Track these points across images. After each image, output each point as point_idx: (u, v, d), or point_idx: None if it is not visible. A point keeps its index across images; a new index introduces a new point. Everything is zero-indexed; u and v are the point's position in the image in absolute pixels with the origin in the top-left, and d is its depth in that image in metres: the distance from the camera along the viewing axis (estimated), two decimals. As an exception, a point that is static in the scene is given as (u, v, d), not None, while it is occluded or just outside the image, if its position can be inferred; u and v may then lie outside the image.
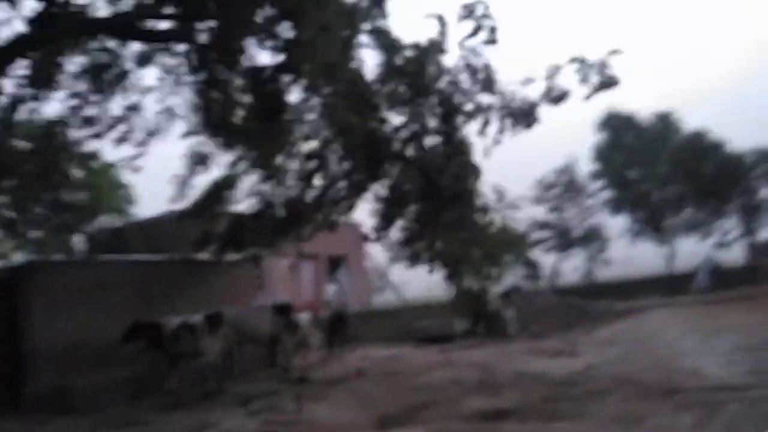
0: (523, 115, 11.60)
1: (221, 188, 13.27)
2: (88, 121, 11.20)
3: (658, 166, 29.05)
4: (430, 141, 12.50)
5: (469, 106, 11.94)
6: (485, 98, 11.83)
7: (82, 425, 9.17)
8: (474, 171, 12.36)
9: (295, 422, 7.99)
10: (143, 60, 10.95)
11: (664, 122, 30.51)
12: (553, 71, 11.29)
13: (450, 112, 11.95)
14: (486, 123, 11.78)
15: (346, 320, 16.68)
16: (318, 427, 7.59)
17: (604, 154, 31.16)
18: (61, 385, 10.88)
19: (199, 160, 12.70)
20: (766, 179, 28.09)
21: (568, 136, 37.00)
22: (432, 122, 12.31)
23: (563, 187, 31.64)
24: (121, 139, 11.70)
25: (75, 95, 10.85)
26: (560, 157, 31.81)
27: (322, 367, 13.23)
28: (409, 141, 12.44)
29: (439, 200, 12.37)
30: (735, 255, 29.30)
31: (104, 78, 10.87)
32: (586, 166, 31.77)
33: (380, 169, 12.64)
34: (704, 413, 6.25)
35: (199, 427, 8.21)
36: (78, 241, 22.76)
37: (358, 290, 22.69)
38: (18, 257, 21.12)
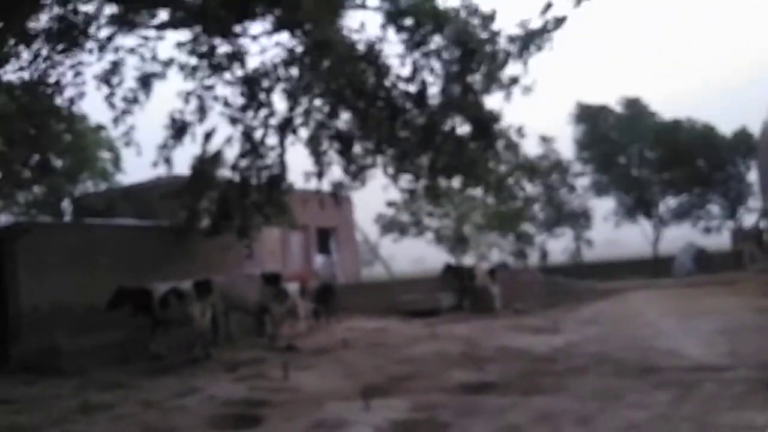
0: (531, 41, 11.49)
1: (207, 166, 13.33)
2: (56, 84, 11.07)
3: (643, 150, 29.33)
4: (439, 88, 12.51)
5: (483, 46, 11.82)
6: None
7: (68, 386, 9.23)
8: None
9: (281, 389, 8.11)
10: (118, 21, 10.83)
11: (634, 108, 30.61)
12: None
13: (467, 53, 11.81)
14: (507, 56, 11.67)
15: (334, 291, 16.82)
16: (303, 395, 7.71)
17: (585, 143, 31.28)
18: (48, 346, 10.94)
19: (179, 129, 12.72)
20: (746, 161, 28.55)
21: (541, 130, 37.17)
22: (444, 67, 12.25)
23: (551, 167, 31.82)
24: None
25: (44, 58, 10.67)
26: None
27: (309, 337, 13.36)
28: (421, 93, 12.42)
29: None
30: (722, 240, 29.70)
31: (75, 39, 10.69)
32: (567, 153, 32.06)
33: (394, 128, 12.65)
34: (680, 392, 6.41)
35: (185, 391, 8.30)
36: (66, 204, 22.67)
37: (346, 262, 22.81)
38: (6, 219, 21.01)
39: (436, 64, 12.16)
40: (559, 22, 10.94)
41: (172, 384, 8.99)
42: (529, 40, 11.41)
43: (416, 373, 8.63)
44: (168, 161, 12.98)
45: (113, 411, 7.53)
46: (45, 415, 7.48)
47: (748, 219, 29.11)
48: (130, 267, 12.85)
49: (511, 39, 11.51)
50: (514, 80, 11.94)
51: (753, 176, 29.05)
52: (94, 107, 13.58)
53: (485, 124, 12.22)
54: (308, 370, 9.41)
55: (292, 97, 12.74)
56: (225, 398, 7.74)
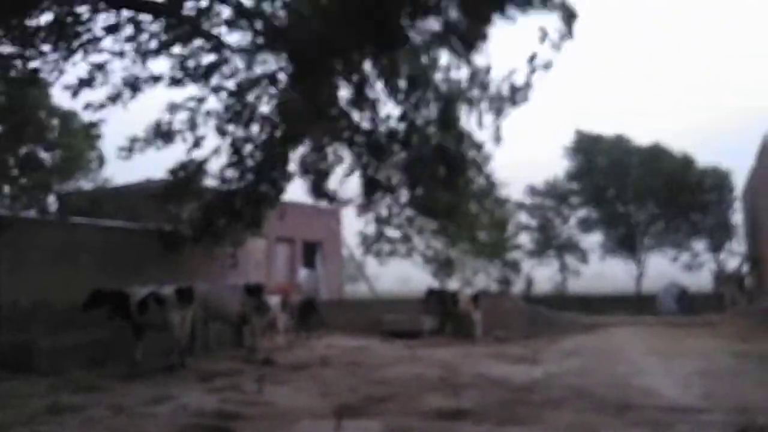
0: (514, 97, 11.77)
1: (190, 172, 13.39)
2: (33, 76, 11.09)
3: (629, 184, 29.81)
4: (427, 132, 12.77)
5: (466, 97, 12.09)
6: (477, 91, 12.01)
7: (41, 385, 9.11)
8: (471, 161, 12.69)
9: (255, 403, 8.02)
10: (112, 28, 10.93)
11: (622, 142, 30.98)
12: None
13: (449, 103, 12.07)
14: (481, 113, 12.01)
15: (317, 307, 16.74)
16: (276, 410, 7.63)
17: (578, 174, 31.58)
18: (23, 343, 10.78)
19: (164, 134, 12.77)
20: (726, 201, 29.15)
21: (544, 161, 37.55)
22: (430, 113, 12.51)
23: (551, 195, 32.04)
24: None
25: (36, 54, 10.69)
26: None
27: (288, 352, 13.27)
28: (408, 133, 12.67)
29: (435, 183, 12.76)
30: (705, 279, 29.92)
31: (66, 39, 10.73)
32: (562, 186, 32.33)
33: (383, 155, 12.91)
34: (654, 432, 6.42)
35: (157, 398, 8.20)
36: (52, 201, 22.47)
37: (331, 278, 22.75)
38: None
39: (420, 113, 12.50)
40: (547, 66, 11.07)
41: (145, 390, 8.87)
42: (513, 96, 11.77)
43: (392, 396, 8.56)
44: (131, 151, 12.95)
45: (83, 413, 7.44)
46: (15, 413, 7.37)
47: (732, 261, 29.38)
48: (113, 268, 12.74)
49: (492, 99, 11.85)
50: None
51: (734, 218, 29.53)
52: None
53: (458, 170, 12.60)
54: (284, 386, 9.34)
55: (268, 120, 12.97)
56: (197, 408, 7.65)
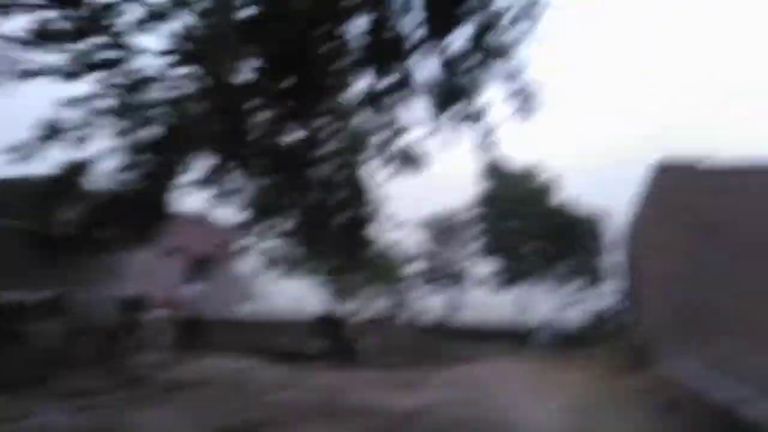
0: (410, 160, 12.11)
1: (74, 171, 12.65)
2: None
3: (524, 220, 31.43)
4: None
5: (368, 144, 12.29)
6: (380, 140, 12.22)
7: None
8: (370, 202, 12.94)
9: (120, 425, 7.58)
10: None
11: (527, 175, 32.76)
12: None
13: (351, 146, 12.23)
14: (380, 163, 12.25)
15: (202, 324, 16.16)
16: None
17: (483, 203, 32.89)
18: None
19: (52, 133, 12.03)
20: (593, 241, 31.44)
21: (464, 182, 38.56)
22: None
23: (445, 228, 33.02)
24: None
25: None
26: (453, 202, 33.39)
27: (166, 370, 12.66)
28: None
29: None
30: (581, 317, 31.82)
31: None
32: (467, 213, 33.51)
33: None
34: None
35: (12, 417, 7.55)
36: None
37: (221, 295, 22.03)
38: None
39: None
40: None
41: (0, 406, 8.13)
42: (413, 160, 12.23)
43: (270, 421, 8.38)
44: (26, 158, 12.13)
45: None
46: None
47: (608, 300, 31.38)
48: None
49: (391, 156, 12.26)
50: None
51: (609, 260, 31.67)
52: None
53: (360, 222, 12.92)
54: (156, 407, 8.88)
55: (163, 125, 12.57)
56: (55, 428, 7.11)
